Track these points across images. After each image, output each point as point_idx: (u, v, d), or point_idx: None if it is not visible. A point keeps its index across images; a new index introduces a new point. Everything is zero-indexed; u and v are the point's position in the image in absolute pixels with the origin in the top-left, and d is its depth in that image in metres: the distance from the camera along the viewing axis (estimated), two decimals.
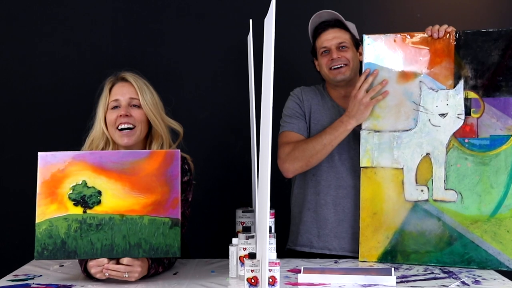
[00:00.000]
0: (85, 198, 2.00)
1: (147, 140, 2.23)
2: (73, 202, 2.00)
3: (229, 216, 2.30)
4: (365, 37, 2.33)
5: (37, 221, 1.99)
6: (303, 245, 2.45)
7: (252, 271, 1.81)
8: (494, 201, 2.17)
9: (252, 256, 1.85)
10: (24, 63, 3.01)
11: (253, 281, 1.81)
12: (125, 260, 1.96)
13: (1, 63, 3.02)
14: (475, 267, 2.17)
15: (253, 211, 2.22)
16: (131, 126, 2.15)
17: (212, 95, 3.04)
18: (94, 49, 3.00)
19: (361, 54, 2.42)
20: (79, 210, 1.99)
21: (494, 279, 2.04)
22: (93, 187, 2.00)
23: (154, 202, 2.00)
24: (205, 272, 2.15)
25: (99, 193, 2.00)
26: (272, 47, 1.68)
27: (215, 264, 2.25)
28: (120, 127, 2.15)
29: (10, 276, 2.10)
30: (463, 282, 2.00)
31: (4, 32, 3.01)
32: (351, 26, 2.45)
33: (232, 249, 2.05)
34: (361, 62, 2.42)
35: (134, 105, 2.17)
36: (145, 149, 2.21)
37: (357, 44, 2.45)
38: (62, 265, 2.23)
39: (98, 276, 1.98)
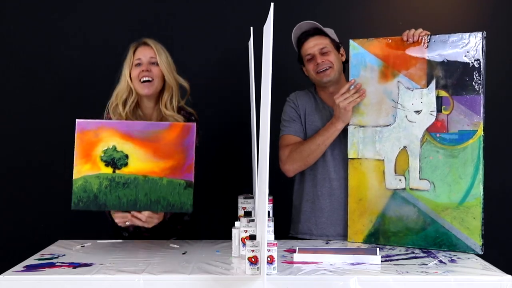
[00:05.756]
0: (115, 160, 2.14)
1: (161, 93, 2.39)
2: (104, 163, 2.14)
3: (232, 202, 2.35)
4: (351, 41, 2.35)
5: (74, 177, 2.12)
6: (304, 233, 2.47)
7: (252, 251, 1.85)
8: (462, 190, 2.17)
9: (252, 237, 1.88)
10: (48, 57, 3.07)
11: (253, 260, 1.85)
12: (146, 213, 2.12)
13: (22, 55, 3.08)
14: (445, 249, 2.17)
15: (253, 198, 2.25)
16: (150, 79, 2.34)
17: (217, 94, 3.05)
18: (106, 51, 3.01)
19: (342, 55, 2.47)
20: (109, 170, 2.14)
21: (468, 259, 2.08)
22: (122, 151, 2.14)
23: (172, 167, 2.14)
24: (211, 251, 2.19)
25: (127, 156, 2.14)
26: (270, 52, 1.71)
27: (220, 244, 2.28)
28: (142, 79, 2.34)
29: (37, 255, 2.15)
30: (441, 261, 2.03)
31: (27, 25, 3.06)
32: (330, 31, 2.46)
33: (234, 232, 2.09)
34: (345, 62, 2.46)
35: (153, 63, 2.37)
36: (159, 98, 2.39)
37: (338, 46, 2.46)
38: (83, 246, 2.28)
39: (120, 224, 2.17)
